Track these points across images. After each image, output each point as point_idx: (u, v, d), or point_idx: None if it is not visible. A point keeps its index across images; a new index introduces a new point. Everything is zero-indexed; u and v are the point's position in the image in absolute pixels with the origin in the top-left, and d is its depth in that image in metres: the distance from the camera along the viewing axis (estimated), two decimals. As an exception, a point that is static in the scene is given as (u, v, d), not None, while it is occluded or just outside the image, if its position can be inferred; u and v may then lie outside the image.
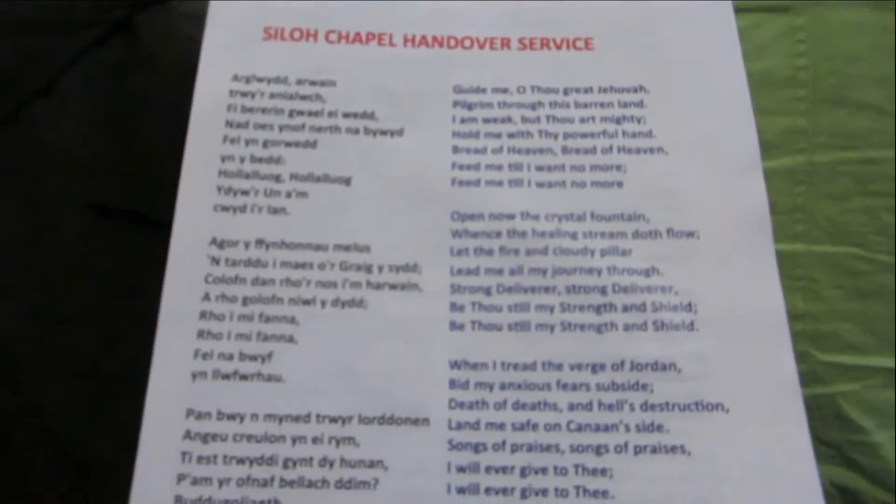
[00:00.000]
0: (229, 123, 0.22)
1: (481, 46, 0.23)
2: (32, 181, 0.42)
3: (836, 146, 0.30)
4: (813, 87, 0.30)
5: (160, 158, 0.52)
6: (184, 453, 0.18)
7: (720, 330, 0.19)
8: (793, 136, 0.30)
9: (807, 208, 0.30)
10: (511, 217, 0.21)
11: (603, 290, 0.20)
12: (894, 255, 0.30)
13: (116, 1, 0.49)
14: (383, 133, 0.22)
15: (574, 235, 0.20)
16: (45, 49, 0.44)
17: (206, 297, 0.20)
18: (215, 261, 0.20)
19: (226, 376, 0.19)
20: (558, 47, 0.23)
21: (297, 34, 0.23)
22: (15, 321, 0.46)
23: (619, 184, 0.21)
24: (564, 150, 0.22)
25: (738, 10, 0.30)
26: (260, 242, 0.20)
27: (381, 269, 0.20)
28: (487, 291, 0.20)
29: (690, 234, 0.20)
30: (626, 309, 0.20)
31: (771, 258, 0.20)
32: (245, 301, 0.20)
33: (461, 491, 0.18)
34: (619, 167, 0.21)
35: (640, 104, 0.22)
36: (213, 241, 0.20)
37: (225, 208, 0.21)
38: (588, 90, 0.22)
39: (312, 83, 0.22)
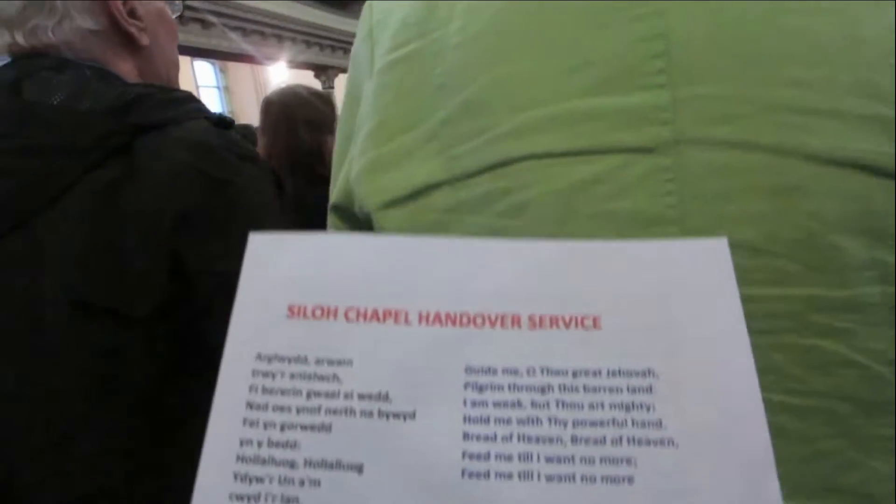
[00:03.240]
0: (250, 405, 0.22)
1: (492, 324, 0.24)
2: (30, 278, 0.53)
3: None
4: (683, 225, 0.30)
5: (136, 258, 0.57)
6: None
7: None
8: None
9: None
10: None
11: None
12: (786, 394, 0.28)
13: (118, 130, 0.57)
14: (396, 416, 0.22)
15: None
16: (54, 170, 0.55)
17: None
18: None
19: None
20: (567, 326, 0.24)
21: (318, 312, 0.24)
22: None
23: (630, 479, 0.21)
24: (574, 439, 0.22)
25: (602, 152, 0.31)
26: None
27: None
28: None
29: None
30: None
31: None
32: None
33: None
34: (628, 461, 0.21)
35: (649, 390, 0.22)
36: None
37: (240, 497, 0.21)
38: (597, 373, 0.23)
39: (330, 363, 0.23)
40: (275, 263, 0.25)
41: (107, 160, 0.57)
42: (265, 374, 0.23)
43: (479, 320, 0.24)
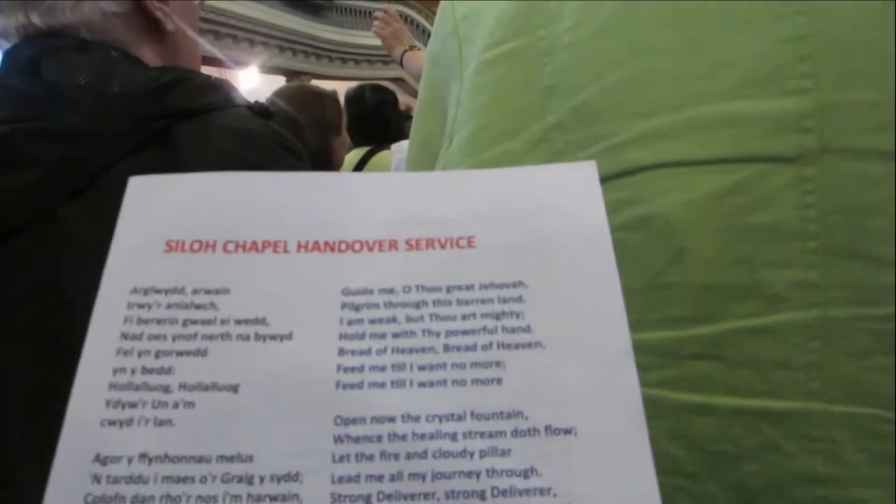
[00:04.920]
0: (124, 336, 0.22)
1: (370, 249, 0.24)
2: (59, 274, 0.47)
3: (852, 301, 0.28)
4: (824, 240, 0.28)
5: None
6: None
7: None
8: (803, 289, 0.28)
9: (822, 365, 0.28)
10: (392, 420, 0.21)
11: (482, 495, 0.20)
12: None
13: (155, 114, 0.53)
14: (272, 338, 0.23)
15: (454, 437, 0.21)
16: (83, 155, 0.49)
17: None
18: (97, 479, 0.20)
19: None
20: (443, 246, 0.24)
21: (196, 246, 0.24)
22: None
23: (499, 380, 0.22)
24: (446, 348, 0.22)
25: (742, 161, 0.29)
26: (143, 457, 0.21)
27: (262, 479, 0.20)
28: (368, 500, 0.20)
29: (568, 431, 0.21)
30: None
31: (648, 459, 0.20)
32: None
33: None
34: (498, 363, 0.22)
35: (519, 299, 0.23)
36: (97, 458, 0.21)
37: (112, 422, 0.21)
38: (469, 287, 0.23)
39: (208, 292, 0.23)
40: (153, 203, 0.25)
41: (142, 147, 0.51)
42: (141, 306, 0.23)
43: (357, 246, 0.24)
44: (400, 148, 1.78)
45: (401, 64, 1.43)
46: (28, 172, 0.48)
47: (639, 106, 0.31)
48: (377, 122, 1.87)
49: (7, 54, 0.57)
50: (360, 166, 1.78)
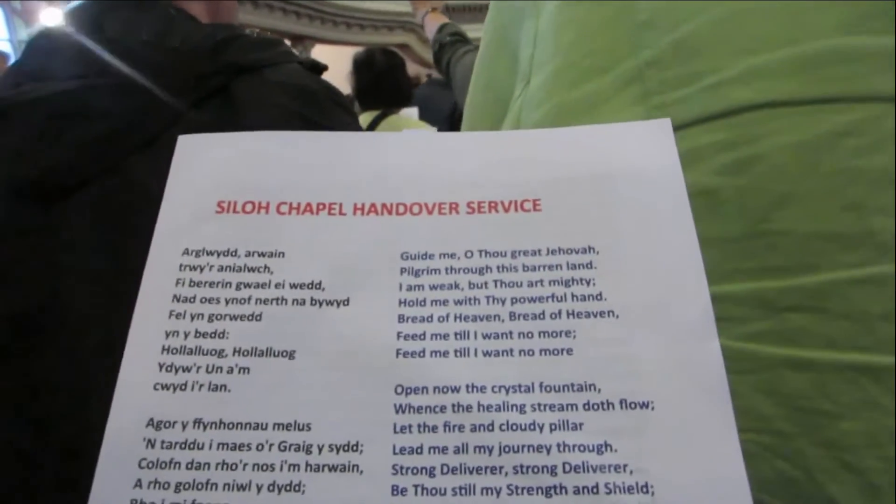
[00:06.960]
0: (176, 298, 0.21)
1: (429, 212, 0.23)
2: (130, 226, 0.47)
3: None
4: None
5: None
6: None
7: None
8: None
9: None
10: (456, 390, 0.20)
11: (552, 470, 0.19)
12: None
13: (215, 70, 0.54)
14: (329, 303, 0.21)
15: (522, 409, 0.20)
16: (149, 109, 0.51)
17: (139, 483, 0.19)
18: (150, 443, 0.20)
19: None
20: (506, 210, 0.23)
21: (249, 207, 0.23)
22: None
23: (569, 351, 0.21)
24: (512, 316, 0.21)
25: (858, 100, 0.27)
26: (198, 423, 0.20)
27: (321, 448, 0.20)
28: (431, 472, 0.19)
29: (645, 405, 0.20)
30: (577, 491, 0.19)
31: (732, 432, 0.19)
32: (178, 487, 0.19)
33: None
34: (568, 333, 0.21)
35: (590, 265, 0.22)
36: (150, 423, 0.20)
37: (165, 386, 0.20)
38: (536, 252, 0.22)
39: (261, 255, 0.22)
40: (203, 163, 0.24)
41: (203, 103, 0.53)
42: (193, 268, 0.22)
43: (415, 209, 0.23)
44: (408, 116, 1.76)
45: (422, 25, 1.41)
46: (97, 126, 0.49)
47: (745, 41, 0.29)
48: (387, 85, 1.84)
49: (70, 12, 0.58)
50: (370, 130, 1.76)
